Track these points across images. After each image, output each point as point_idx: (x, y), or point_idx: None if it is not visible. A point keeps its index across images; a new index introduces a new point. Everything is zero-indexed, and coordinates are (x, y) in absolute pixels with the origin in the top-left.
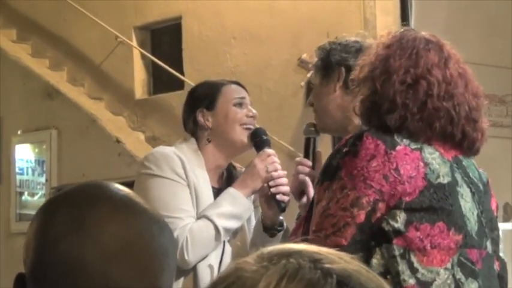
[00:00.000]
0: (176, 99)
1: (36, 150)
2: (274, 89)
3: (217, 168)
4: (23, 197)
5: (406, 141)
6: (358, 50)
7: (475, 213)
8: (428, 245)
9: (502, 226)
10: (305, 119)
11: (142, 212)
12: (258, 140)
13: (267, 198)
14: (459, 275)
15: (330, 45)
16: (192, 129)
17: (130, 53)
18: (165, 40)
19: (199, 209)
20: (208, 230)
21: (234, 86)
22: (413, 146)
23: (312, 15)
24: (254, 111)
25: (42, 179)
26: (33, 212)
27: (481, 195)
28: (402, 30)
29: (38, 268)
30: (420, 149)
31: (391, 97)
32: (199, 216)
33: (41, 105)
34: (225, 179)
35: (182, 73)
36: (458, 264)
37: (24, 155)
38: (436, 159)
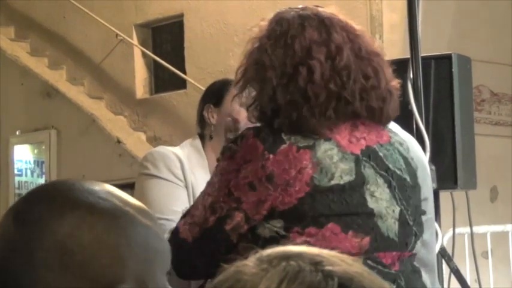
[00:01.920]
0: (178, 99)
1: (35, 151)
2: None
3: None
4: None
5: (294, 139)
6: None
7: (396, 210)
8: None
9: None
10: None
11: (72, 205)
12: None
13: None
14: None
15: None
16: (199, 124)
17: (131, 51)
18: (166, 38)
19: None
20: None
21: None
22: (303, 143)
23: None
24: None
25: (42, 181)
26: None
27: (406, 189)
28: (279, 12)
29: (47, 271)
30: (311, 147)
31: (271, 97)
32: None
33: (40, 105)
34: None
35: (184, 72)
36: None
37: (23, 155)
38: (333, 157)
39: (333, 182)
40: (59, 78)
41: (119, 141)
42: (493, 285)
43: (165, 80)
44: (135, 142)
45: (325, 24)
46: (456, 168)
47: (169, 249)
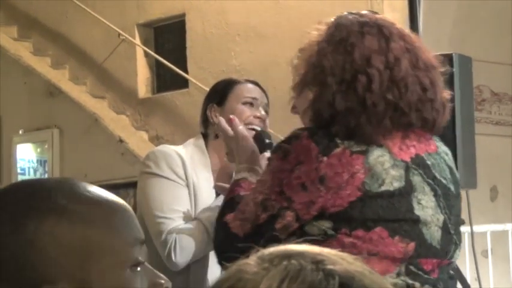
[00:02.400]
0: (180, 98)
1: (38, 150)
2: (280, 87)
3: (225, 167)
4: None
5: (347, 143)
6: None
7: (441, 219)
8: (366, 251)
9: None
10: None
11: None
12: (260, 143)
13: None
14: (411, 281)
15: None
16: (203, 123)
17: (133, 51)
18: (168, 38)
19: (198, 209)
20: (199, 233)
21: (249, 86)
22: (356, 148)
23: (318, 12)
24: (263, 112)
25: None
26: None
27: (450, 198)
28: (338, 16)
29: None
30: (364, 152)
31: (330, 102)
32: (194, 218)
33: (43, 104)
34: None
35: (186, 71)
36: (406, 273)
37: (26, 155)
38: (384, 164)
39: (383, 188)
40: (61, 78)
41: (121, 141)
42: (492, 284)
43: (167, 80)
44: (138, 141)
45: (383, 33)
46: (456, 168)
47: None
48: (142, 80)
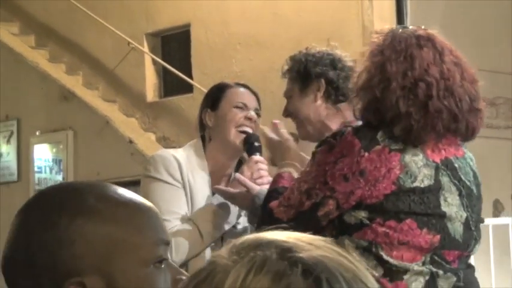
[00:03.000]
0: (185, 102)
1: (54, 150)
2: (277, 92)
3: (222, 169)
4: None
5: (387, 141)
6: (332, 61)
7: (463, 216)
8: (396, 240)
9: (493, 221)
10: None
11: (33, 209)
12: (249, 146)
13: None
14: (435, 270)
15: (305, 57)
16: (200, 127)
17: (142, 58)
18: (174, 46)
19: (194, 209)
20: (192, 234)
21: (240, 90)
22: (394, 146)
23: (314, 22)
24: (253, 113)
25: (60, 177)
26: None
27: (472, 199)
28: (392, 29)
29: (19, 267)
30: (402, 151)
31: (394, 105)
32: (188, 219)
33: (58, 108)
34: (233, 181)
35: (191, 77)
36: (431, 262)
37: (42, 154)
38: (418, 162)
39: (415, 184)
40: (75, 83)
41: (130, 141)
42: None
43: (173, 85)
44: (146, 142)
45: (437, 47)
46: None
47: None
48: (150, 85)
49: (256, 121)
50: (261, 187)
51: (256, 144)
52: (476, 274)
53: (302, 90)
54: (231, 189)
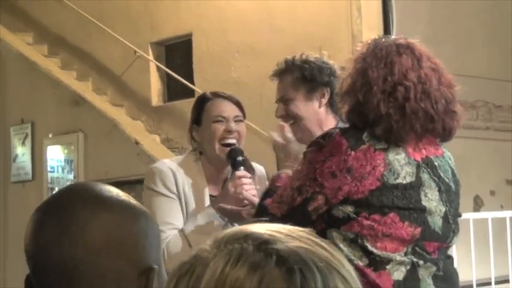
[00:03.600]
0: (188, 106)
1: (65, 151)
2: (273, 97)
3: (216, 178)
4: (54, 192)
5: (372, 141)
6: (332, 70)
7: (442, 210)
8: (380, 233)
9: (473, 215)
10: None
11: (116, 204)
12: (233, 161)
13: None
14: (416, 260)
15: (307, 63)
16: (191, 142)
17: (147, 66)
18: (177, 54)
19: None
20: (182, 245)
21: (218, 102)
22: (379, 146)
23: (306, 31)
24: (232, 125)
25: (71, 176)
26: None
27: (451, 194)
28: (374, 38)
29: (36, 272)
30: (385, 150)
31: (375, 107)
32: (180, 230)
33: (69, 112)
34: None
35: (193, 83)
36: (412, 253)
37: (55, 155)
38: (400, 161)
39: (398, 181)
40: (85, 89)
41: (137, 143)
42: None
43: (176, 90)
44: (151, 143)
45: (415, 54)
46: None
47: (156, 226)
48: (155, 90)
49: (239, 130)
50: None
51: (239, 158)
52: (458, 265)
53: (307, 95)
54: (235, 208)
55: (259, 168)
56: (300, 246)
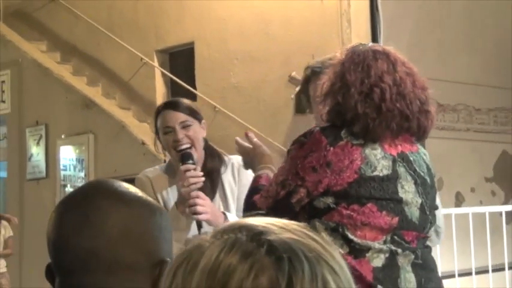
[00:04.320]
0: None
1: (77, 151)
2: (269, 101)
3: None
4: (66, 189)
5: (350, 138)
6: None
7: (419, 202)
8: (359, 222)
9: (455, 210)
10: (295, 124)
11: (134, 200)
12: (180, 158)
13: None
14: (394, 248)
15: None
16: (163, 151)
17: (152, 72)
18: (180, 61)
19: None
20: None
21: (164, 114)
22: (356, 142)
23: (300, 40)
24: (179, 134)
25: (82, 174)
26: None
27: (427, 187)
28: (352, 45)
29: (60, 262)
30: (362, 145)
31: (352, 107)
32: None
33: (81, 115)
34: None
35: (195, 88)
36: (391, 241)
37: (67, 154)
38: (376, 155)
39: (375, 173)
40: (95, 93)
41: (143, 143)
42: None
43: (179, 95)
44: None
45: (390, 59)
46: None
47: (168, 221)
48: (160, 94)
49: (189, 134)
50: (191, 201)
51: (190, 161)
52: (441, 256)
53: None
54: (181, 194)
55: (237, 159)
56: (291, 237)
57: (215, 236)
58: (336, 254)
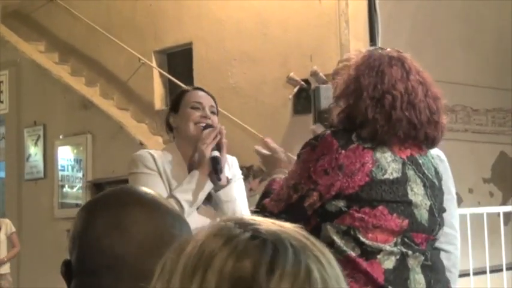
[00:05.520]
0: None
1: (75, 151)
2: (268, 101)
3: (191, 156)
4: (64, 189)
5: (361, 141)
6: None
7: (428, 204)
8: (371, 224)
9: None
10: (293, 125)
11: (166, 211)
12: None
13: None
14: (405, 250)
15: None
16: (169, 129)
17: (150, 73)
18: (178, 62)
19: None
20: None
21: (195, 92)
22: (367, 145)
23: (298, 41)
24: (208, 112)
25: (80, 174)
26: (72, 201)
27: (435, 190)
28: (370, 49)
29: (85, 262)
30: (373, 148)
31: (363, 111)
32: (168, 196)
33: (79, 115)
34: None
35: None
36: (401, 243)
37: (65, 155)
38: (387, 158)
39: (385, 176)
40: (93, 94)
41: (141, 144)
42: None
43: None
44: (154, 144)
45: (405, 67)
46: None
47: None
48: (158, 95)
49: (213, 120)
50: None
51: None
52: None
53: None
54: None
55: (231, 158)
56: (279, 229)
57: (208, 226)
58: (325, 250)
